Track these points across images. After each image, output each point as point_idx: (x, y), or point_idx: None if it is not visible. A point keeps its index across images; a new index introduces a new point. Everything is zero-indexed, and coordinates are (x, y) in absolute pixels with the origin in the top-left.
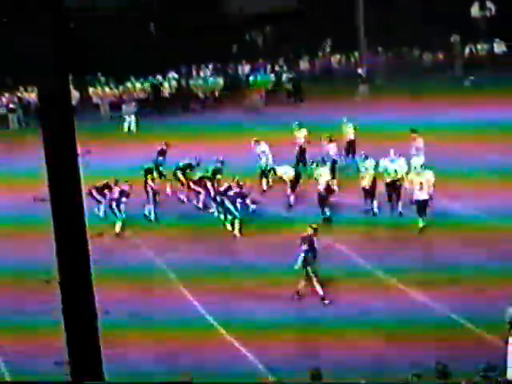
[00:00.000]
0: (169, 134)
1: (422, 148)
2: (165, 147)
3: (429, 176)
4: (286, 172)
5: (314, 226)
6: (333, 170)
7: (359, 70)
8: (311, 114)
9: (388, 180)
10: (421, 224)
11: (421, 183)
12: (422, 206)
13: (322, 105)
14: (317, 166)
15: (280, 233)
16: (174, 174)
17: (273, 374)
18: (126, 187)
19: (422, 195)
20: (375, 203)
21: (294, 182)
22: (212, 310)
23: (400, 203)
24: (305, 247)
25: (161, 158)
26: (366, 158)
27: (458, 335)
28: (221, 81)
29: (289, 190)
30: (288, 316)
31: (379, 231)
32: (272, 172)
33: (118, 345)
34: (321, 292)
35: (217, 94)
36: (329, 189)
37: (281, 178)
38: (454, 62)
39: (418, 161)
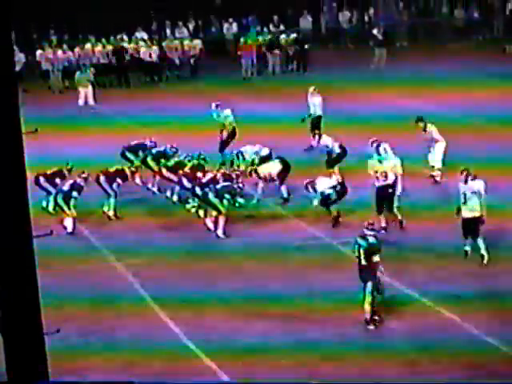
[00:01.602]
0: (135, 108)
1: (439, 138)
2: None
3: (479, 185)
4: (273, 168)
5: (371, 221)
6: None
7: (374, 31)
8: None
9: (377, 184)
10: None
11: (464, 194)
12: (471, 229)
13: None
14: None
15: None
16: (144, 162)
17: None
18: (79, 180)
19: (470, 212)
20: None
21: (284, 174)
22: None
23: (384, 218)
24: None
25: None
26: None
27: None
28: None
29: (278, 182)
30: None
31: None
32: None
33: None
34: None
35: (192, 61)
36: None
37: (265, 178)
38: (493, 21)
39: (436, 157)
